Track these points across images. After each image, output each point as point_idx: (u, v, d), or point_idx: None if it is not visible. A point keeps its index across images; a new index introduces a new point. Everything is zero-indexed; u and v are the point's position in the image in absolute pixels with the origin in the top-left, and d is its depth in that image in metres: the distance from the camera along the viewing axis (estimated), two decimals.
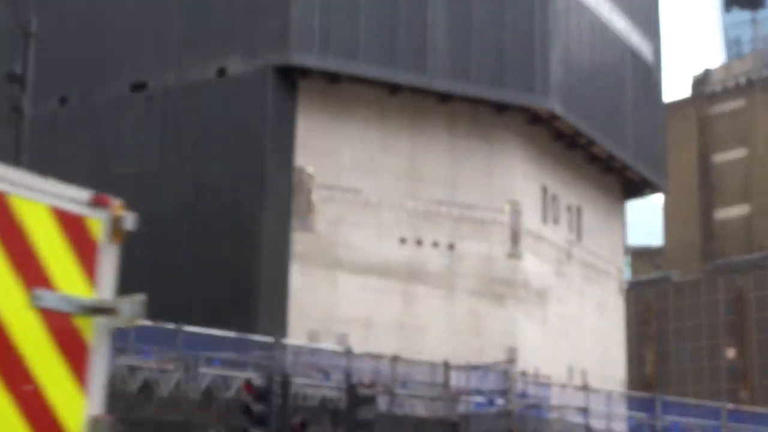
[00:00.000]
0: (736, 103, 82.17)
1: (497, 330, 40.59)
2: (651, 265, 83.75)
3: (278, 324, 35.25)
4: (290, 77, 38.21)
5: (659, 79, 53.44)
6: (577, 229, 47.32)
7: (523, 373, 35.27)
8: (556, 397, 35.29)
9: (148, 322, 28.59)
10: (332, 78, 38.83)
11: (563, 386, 36.88)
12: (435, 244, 40.33)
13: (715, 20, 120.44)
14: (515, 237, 41.79)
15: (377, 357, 32.78)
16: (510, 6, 41.77)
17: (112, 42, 41.00)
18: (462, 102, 41.22)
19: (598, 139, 46.11)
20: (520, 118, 42.80)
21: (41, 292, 4.79)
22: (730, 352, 69.42)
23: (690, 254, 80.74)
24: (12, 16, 22.07)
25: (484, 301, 40.84)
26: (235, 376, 28.75)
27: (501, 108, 41.77)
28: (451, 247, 40.58)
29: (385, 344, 35.94)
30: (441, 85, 40.08)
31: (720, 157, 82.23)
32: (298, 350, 32.50)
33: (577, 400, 35.41)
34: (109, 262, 5.24)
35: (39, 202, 4.95)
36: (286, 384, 22.84)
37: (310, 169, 38.31)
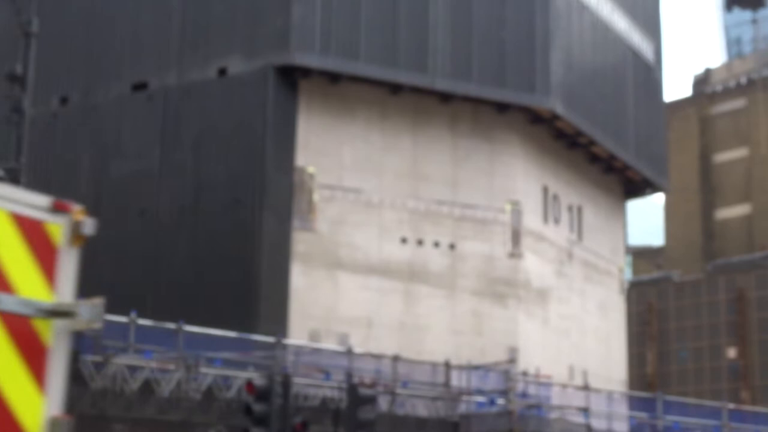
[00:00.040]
0: (736, 103, 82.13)
1: (498, 330, 40.57)
2: (652, 264, 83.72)
3: (279, 324, 35.23)
4: (291, 77, 38.18)
5: (660, 79, 53.42)
6: (578, 228, 47.30)
7: (524, 373, 35.23)
8: (557, 397, 35.27)
9: (148, 322, 28.64)
10: (333, 78, 38.80)
11: (564, 386, 36.86)
12: (436, 244, 40.30)
13: (716, 20, 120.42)
14: (516, 237, 41.77)
15: (378, 357, 32.77)
16: (511, 6, 41.75)
17: (112, 42, 40.98)
18: (463, 102, 41.20)
19: (599, 139, 46.09)
20: (522, 118, 42.79)
21: (0, 296, 4.87)
22: (731, 352, 69.39)
23: (691, 254, 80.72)
24: (12, 16, 22.02)
25: (485, 301, 40.81)
26: (236, 375, 28.73)
27: (502, 108, 41.75)
28: (452, 246, 40.56)
29: (386, 344, 35.94)
30: (442, 85, 40.06)
31: (721, 157, 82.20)
32: (299, 350, 32.49)
33: (578, 399, 35.40)
34: (69, 265, 5.29)
35: None
36: (287, 384, 22.81)
37: (311, 169, 38.28)
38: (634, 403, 39.19)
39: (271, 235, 36.64)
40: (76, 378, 26.66)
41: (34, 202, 5.20)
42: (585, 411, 34.92)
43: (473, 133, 41.74)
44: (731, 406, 41.50)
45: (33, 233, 5.16)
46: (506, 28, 41.47)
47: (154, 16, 40.35)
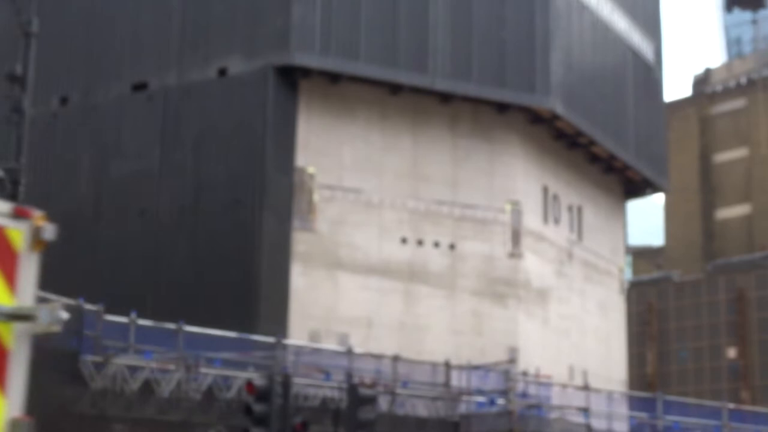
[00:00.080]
0: (736, 103, 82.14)
1: (498, 330, 40.56)
2: (652, 264, 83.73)
3: (279, 324, 35.23)
4: (291, 77, 38.17)
5: (660, 79, 53.42)
6: (578, 228, 47.30)
7: (524, 373, 35.23)
8: (557, 397, 35.26)
9: (148, 322, 28.64)
10: (333, 78, 38.80)
11: (564, 386, 36.86)
12: (436, 244, 40.30)
13: (716, 20, 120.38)
14: (516, 237, 41.77)
15: (378, 357, 32.77)
16: (511, 6, 41.75)
17: (112, 42, 40.98)
18: (463, 102, 41.20)
19: (599, 139, 46.09)
20: (522, 118, 42.79)
21: None
22: (731, 352, 69.39)
23: (691, 254, 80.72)
24: (12, 16, 22.01)
25: (485, 301, 40.81)
26: (236, 376, 28.73)
27: (502, 108, 41.75)
28: (452, 247, 40.55)
29: (386, 344, 35.94)
30: (442, 85, 40.06)
31: (721, 157, 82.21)
32: (299, 350, 32.49)
33: (578, 399, 35.39)
34: (29, 270, 5.33)
35: None
36: (287, 384, 22.81)
37: (311, 169, 38.28)
38: (634, 403, 39.18)
39: (271, 235, 36.64)
40: (76, 378, 26.68)
41: None
42: (585, 411, 34.91)
43: (473, 133, 41.74)
44: (731, 406, 41.48)
45: None
46: (506, 28, 41.47)
47: (154, 16, 40.35)
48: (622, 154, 48.03)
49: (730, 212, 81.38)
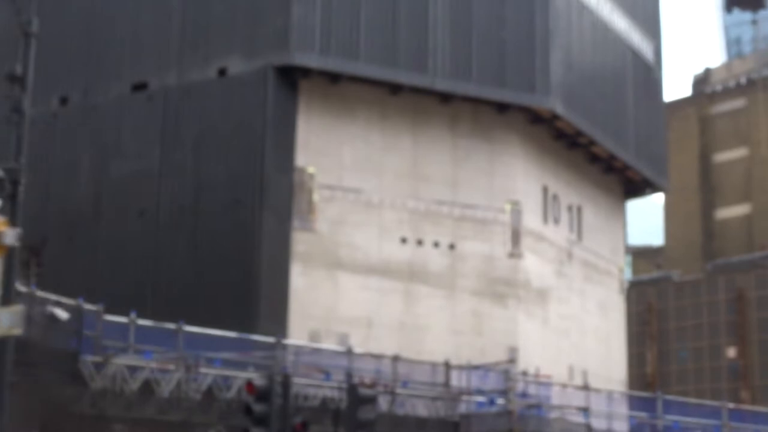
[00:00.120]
0: (736, 103, 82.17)
1: (498, 330, 40.57)
2: (652, 264, 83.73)
3: (279, 324, 35.24)
4: (291, 77, 38.17)
5: (660, 79, 53.42)
6: (578, 228, 47.30)
7: (524, 373, 35.24)
8: (557, 397, 35.27)
9: (148, 322, 28.65)
10: (333, 78, 38.81)
11: (564, 386, 36.86)
12: (436, 244, 40.31)
13: (716, 20, 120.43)
14: (516, 237, 41.77)
15: (378, 357, 32.77)
16: (511, 6, 41.75)
17: (112, 42, 40.98)
18: (463, 102, 41.20)
19: (599, 139, 46.10)
20: (521, 118, 42.79)
21: None
22: (731, 352, 69.41)
23: (691, 254, 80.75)
24: (12, 16, 22.00)
25: (485, 301, 40.81)
26: (236, 376, 28.73)
27: (502, 108, 41.76)
28: (452, 246, 40.56)
29: (386, 344, 35.95)
30: (442, 85, 40.05)
31: (720, 157, 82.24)
32: (299, 350, 32.48)
33: (578, 399, 35.40)
34: None
35: None
36: (287, 384, 22.82)
37: (311, 169, 38.28)
38: (634, 402, 39.18)
39: (271, 235, 36.63)
40: (76, 378, 26.69)
41: None
42: (585, 411, 34.92)
43: (473, 133, 41.75)
44: (731, 405, 41.49)
45: None
46: (506, 28, 41.47)
47: (154, 16, 40.34)
48: (621, 154, 48.04)
49: (729, 212, 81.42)
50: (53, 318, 26.22)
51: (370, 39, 38.71)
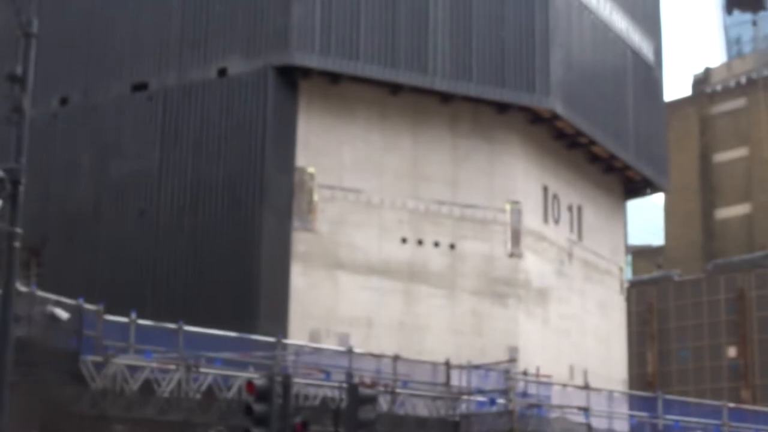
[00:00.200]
0: (736, 103, 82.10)
1: (498, 329, 40.56)
2: (652, 264, 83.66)
3: (279, 324, 35.24)
4: (291, 77, 38.18)
5: (660, 79, 53.42)
6: (578, 228, 47.30)
7: (525, 373, 35.21)
8: (557, 397, 35.27)
9: (148, 322, 28.64)
10: (333, 78, 38.81)
11: (564, 386, 36.87)
12: (436, 244, 40.31)
13: (716, 19, 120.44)
14: (516, 237, 41.77)
15: (378, 357, 32.77)
16: (511, 5, 41.74)
17: (112, 42, 40.98)
18: (463, 102, 41.20)
19: (599, 139, 46.09)
20: (522, 118, 42.79)
21: None
22: (732, 352, 69.33)
23: (691, 253, 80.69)
24: (12, 16, 21.99)
25: (486, 301, 40.81)
26: (236, 375, 28.72)
27: (502, 108, 41.75)
28: (452, 246, 40.56)
29: (386, 344, 35.94)
30: (442, 85, 40.06)
31: (721, 157, 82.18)
32: (300, 350, 32.48)
33: (579, 399, 35.40)
34: None
35: None
36: (287, 384, 22.82)
37: (311, 169, 38.29)
38: (634, 402, 39.19)
39: (271, 235, 36.64)
40: (76, 378, 26.69)
41: None
42: (585, 410, 34.92)
43: (473, 133, 41.75)
44: (731, 405, 41.48)
45: None
46: (506, 27, 41.46)
47: (154, 16, 40.34)
48: (622, 154, 48.04)
49: (730, 212, 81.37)
50: (53, 318, 26.23)
51: (370, 39, 38.71)
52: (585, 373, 44.03)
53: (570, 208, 46.57)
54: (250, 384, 23.14)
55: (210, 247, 36.61)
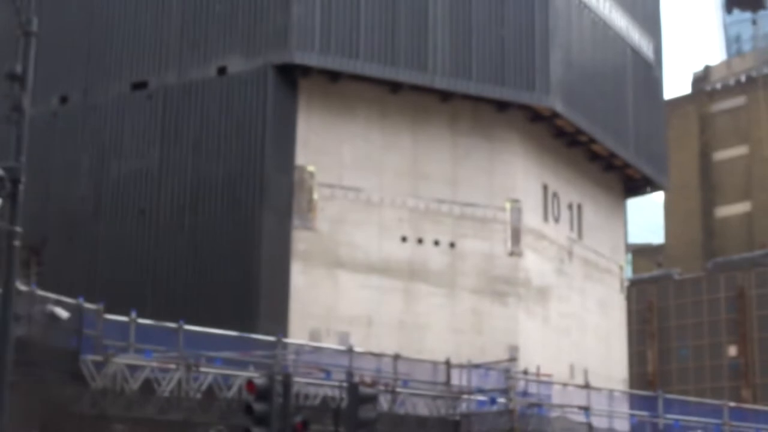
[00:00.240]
0: (736, 101, 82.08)
1: (499, 328, 40.56)
2: (652, 262, 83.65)
3: (279, 323, 35.23)
4: (291, 76, 38.17)
5: (660, 77, 53.41)
6: (578, 227, 47.29)
7: (525, 372, 35.22)
8: (557, 396, 35.27)
9: (148, 321, 28.64)
10: (333, 76, 38.80)
11: (565, 385, 36.88)
12: (436, 243, 40.30)
13: (716, 17, 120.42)
14: (516, 235, 41.76)
15: (379, 355, 32.77)
16: (511, 4, 41.72)
17: (111, 41, 40.95)
18: (463, 100, 41.19)
19: (599, 137, 46.09)
20: (521, 116, 42.78)
21: None
22: (732, 350, 69.31)
23: (691, 252, 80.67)
24: (12, 16, 21.99)
25: (486, 300, 40.80)
26: (237, 375, 28.71)
27: (502, 106, 41.75)
28: (452, 245, 40.55)
29: (386, 343, 35.95)
30: (442, 83, 40.04)
31: (721, 155, 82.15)
32: (300, 349, 32.47)
33: (579, 398, 35.41)
34: None
35: None
36: (287, 383, 22.82)
37: (310, 168, 38.28)
38: (634, 401, 39.19)
39: (270, 234, 36.63)
40: (76, 377, 26.68)
41: None
42: (586, 409, 34.92)
43: (473, 131, 41.74)
44: (732, 404, 41.47)
45: None
46: (506, 26, 41.45)
47: (154, 16, 40.31)
48: (622, 152, 48.03)
49: (730, 210, 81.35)
50: (53, 317, 26.22)
51: (369, 38, 38.70)
52: (585, 372, 44.01)
53: (570, 207, 46.57)
54: (250, 383, 23.12)
55: (210, 246, 36.60)
